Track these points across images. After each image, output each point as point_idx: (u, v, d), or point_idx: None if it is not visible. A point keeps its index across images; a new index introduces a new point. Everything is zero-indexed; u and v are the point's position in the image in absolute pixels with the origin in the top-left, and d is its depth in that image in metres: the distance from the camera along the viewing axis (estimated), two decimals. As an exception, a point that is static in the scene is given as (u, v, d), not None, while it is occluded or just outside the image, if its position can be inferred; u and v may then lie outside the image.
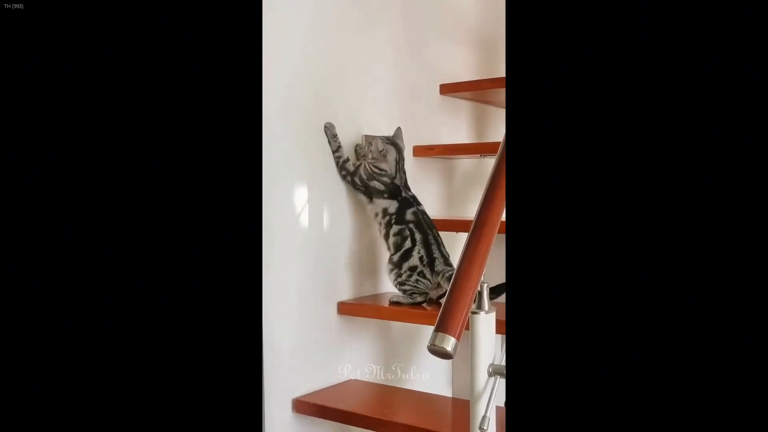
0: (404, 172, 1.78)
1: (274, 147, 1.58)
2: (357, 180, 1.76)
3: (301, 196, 1.67)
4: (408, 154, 2.01)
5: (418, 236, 1.70)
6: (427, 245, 1.70)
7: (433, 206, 2.11)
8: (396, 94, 1.97)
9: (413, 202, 1.76)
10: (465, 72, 2.23)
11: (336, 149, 1.75)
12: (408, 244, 1.70)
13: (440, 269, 1.68)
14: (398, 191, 1.75)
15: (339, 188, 1.78)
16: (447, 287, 1.62)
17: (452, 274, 1.65)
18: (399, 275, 1.71)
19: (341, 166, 1.76)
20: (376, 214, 1.75)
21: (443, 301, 1.08)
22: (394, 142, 1.76)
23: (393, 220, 1.72)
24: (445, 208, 2.17)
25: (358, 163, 1.77)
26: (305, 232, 1.68)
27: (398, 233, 1.71)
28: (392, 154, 1.74)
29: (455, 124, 2.22)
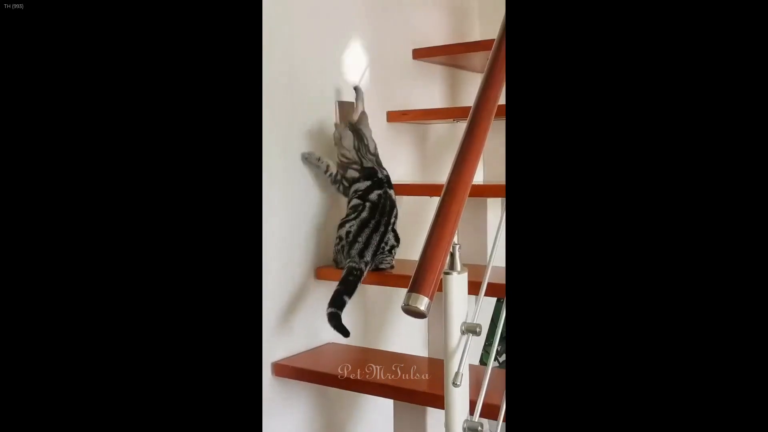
0: (373, 154, 1.75)
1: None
2: (343, 181, 1.74)
3: (277, 163, 1.67)
4: (382, 119, 2.02)
5: (364, 215, 1.68)
6: (362, 226, 1.67)
7: (406, 171, 2.12)
8: (369, 59, 1.97)
9: (385, 183, 1.73)
10: (438, 37, 2.23)
11: (326, 170, 1.74)
12: (352, 215, 1.69)
13: (354, 254, 1.67)
14: (374, 173, 1.73)
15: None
16: (365, 272, 1.66)
17: (368, 263, 1.67)
18: (336, 237, 1.73)
19: (333, 179, 1.75)
20: (349, 201, 1.74)
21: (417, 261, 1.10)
22: (355, 128, 1.72)
23: (357, 196, 1.71)
24: (418, 172, 2.19)
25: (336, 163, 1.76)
26: (282, 200, 1.69)
27: (354, 207, 1.70)
28: (348, 140, 1.70)
29: (428, 89, 2.22)
